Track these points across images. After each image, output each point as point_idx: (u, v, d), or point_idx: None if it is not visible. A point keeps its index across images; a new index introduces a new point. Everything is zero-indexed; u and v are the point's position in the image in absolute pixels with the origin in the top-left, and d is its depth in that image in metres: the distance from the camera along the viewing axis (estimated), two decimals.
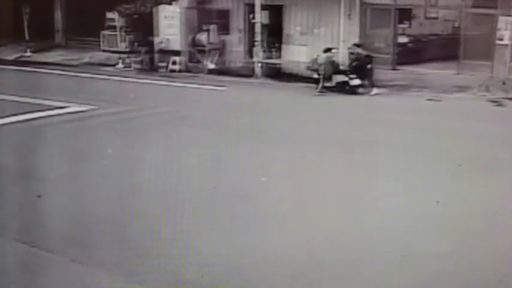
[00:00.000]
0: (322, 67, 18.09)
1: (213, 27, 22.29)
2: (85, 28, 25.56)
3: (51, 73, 22.18)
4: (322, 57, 18.27)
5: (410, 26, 21.96)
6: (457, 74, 19.23)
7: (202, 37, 22.22)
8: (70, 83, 20.32)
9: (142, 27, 23.19)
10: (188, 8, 22.52)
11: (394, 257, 7.40)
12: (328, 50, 18.45)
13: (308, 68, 18.70)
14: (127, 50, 23.61)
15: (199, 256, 7.31)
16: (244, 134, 13.21)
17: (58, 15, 27.46)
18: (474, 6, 19.23)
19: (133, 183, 9.97)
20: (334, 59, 18.50)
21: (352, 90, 18.01)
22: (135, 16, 23.84)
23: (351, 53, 18.74)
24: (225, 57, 22.46)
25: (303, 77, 19.11)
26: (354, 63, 18.35)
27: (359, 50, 18.48)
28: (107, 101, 16.70)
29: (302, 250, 7.56)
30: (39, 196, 9.28)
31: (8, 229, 8.31)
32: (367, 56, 18.42)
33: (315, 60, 18.51)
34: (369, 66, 18.32)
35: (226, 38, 22.45)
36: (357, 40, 19.54)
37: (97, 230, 8.22)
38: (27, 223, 8.42)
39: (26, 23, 26.91)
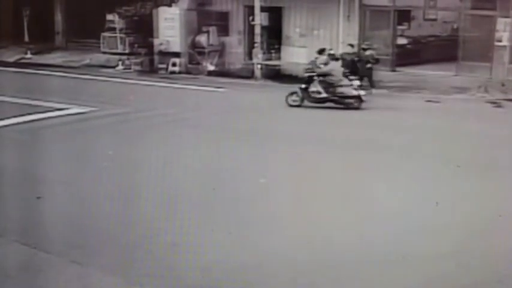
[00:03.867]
0: (321, 69, 18.07)
1: (212, 29, 22.35)
2: (85, 30, 25.62)
3: (51, 75, 22.22)
4: (321, 59, 18.26)
5: (409, 28, 22.02)
6: (456, 75, 19.28)
7: (202, 39, 22.27)
8: (70, 85, 20.34)
9: (142, 29, 23.24)
10: (188, 9, 22.56)
11: (395, 257, 7.43)
12: (322, 50, 18.44)
13: (307, 71, 18.69)
14: (127, 51, 23.67)
15: (199, 258, 7.31)
16: (244, 136, 13.24)
17: (58, 17, 27.49)
18: (473, 8, 19.28)
19: (134, 185, 9.98)
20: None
21: None
22: (135, 18, 23.92)
23: (347, 53, 18.79)
24: (225, 58, 22.50)
25: (303, 79, 19.10)
26: (357, 63, 18.36)
27: (367, 52, 18.51)
28: (107, 102, 16.74)
29: (302, 251, 7.58)
30: (38, 197, 9.31)
31: (9, 230, 8.33)
32: (373, 58, 18.45)
33: (313, 62, 18.51)
34: (368, 65, 18.35)
35: (226, 39, 22.50)
36: (355, 41, 19.58)
37: (97, 231, 8.23)
38: (28, 224, 8.45)
39: (26, 25, 26.95)
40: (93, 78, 21.65)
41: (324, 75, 16.57)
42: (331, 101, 16.37)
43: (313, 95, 16.47)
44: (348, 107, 16.20)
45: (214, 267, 7.13)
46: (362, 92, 16.37)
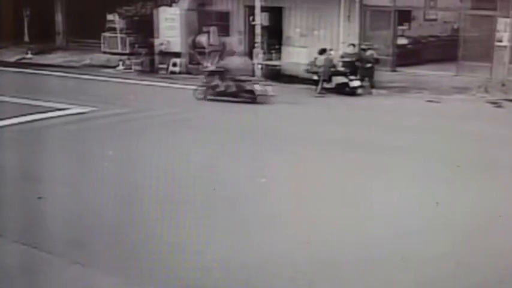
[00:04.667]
0: (321, 69, 18.13)
1: (213, 29, 22.34)
2: (86, 30, 25.60)
3: (52, 75, 22.23)
4: (321, 59, 18.30)
5: (409, 28, 22.00)
6: (456, 75, 19.26)
7: (203, 39, 22.27)
8: (71, 85, 20.34)
9: (143, 29, 23.24)
10: (188, 10, 22.57)
11: (395, 257, 7.44)
12: (323, 51, 18.47)
13: (307, 71, 18.73)
14: (127, 51, 23.68)
15: (199, 258, 7.34)
16: (244, 136, 13.25)
17: (59, 18, 27.49)
18: (473, 8, 19.27)
19: (134, 185, 10.00)
20: (333, 61, 18.53)
21: (352, 92, 18.05)
22: (136, 18, 23.93)
23: (348, 53, 18.81)
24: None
25: (303, 79, 19.13)
26: (360, 64, 18.38)
27: (369, 52, 18.53)
28: (107, 102, 16.75)
29: (302, 251, 7.60)
30: (39, 198, 9.33)
31: (9, 230, 8.34)
32: (373, 58, 18.47)
33: (313, 63, 18.55)
34: (369, 65, 18.38)
35: (227, 39, 22.48)
36: (356, 42, 19.59)
37: (98, 232, 8.25)
38: (29, 225, 8.46)
39: (26, 25, 26.96)
40: (94, 78, 21.65)
41: (224, 70, 17.27)
42: (229, 94, 16.96)
43: (214, 89, 17.12)
44: (243, 101, 16.78)
45: (214, 267, 7.15)
46: (257, 87, 17.02)
